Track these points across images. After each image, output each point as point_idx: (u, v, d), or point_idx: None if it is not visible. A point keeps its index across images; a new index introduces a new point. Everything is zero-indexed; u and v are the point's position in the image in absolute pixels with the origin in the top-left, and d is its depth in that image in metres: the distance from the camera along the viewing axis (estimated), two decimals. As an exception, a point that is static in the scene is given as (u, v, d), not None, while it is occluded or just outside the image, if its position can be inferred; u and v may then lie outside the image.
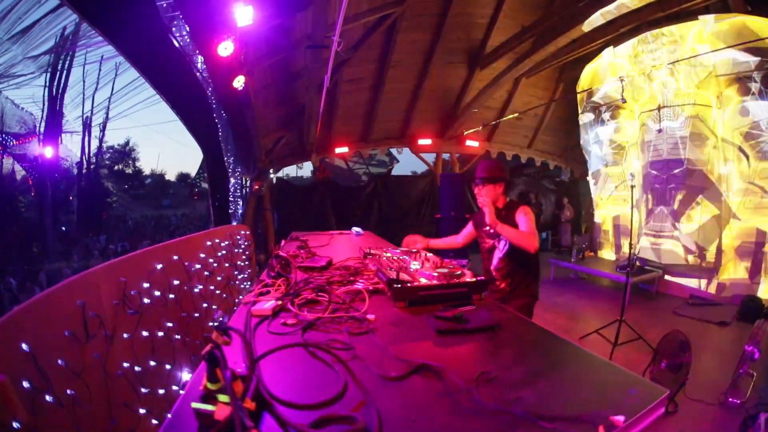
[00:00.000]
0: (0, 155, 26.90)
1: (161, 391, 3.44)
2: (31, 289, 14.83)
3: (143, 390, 3.13)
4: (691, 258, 10.45)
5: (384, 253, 3.81)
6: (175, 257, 4.24)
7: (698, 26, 10.09)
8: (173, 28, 8.74)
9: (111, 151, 58.80)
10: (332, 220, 17.26)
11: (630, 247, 8.41)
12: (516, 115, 15.59)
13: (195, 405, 1.22)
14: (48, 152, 28.55)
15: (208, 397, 1.22)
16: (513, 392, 1.51)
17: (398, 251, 3.98)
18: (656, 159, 11.31)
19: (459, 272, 2.96)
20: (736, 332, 8.14)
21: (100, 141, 38.81)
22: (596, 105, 13.68)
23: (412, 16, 12.79)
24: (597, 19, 10.01)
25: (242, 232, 7.55)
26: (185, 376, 3.84)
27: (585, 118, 14.42)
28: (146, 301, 3.48)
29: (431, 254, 3.69)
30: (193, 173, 63.00)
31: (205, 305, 4.93)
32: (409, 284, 2.67)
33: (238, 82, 9.31)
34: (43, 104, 29.60)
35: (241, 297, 6.65)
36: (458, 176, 15.32)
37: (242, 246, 7.40)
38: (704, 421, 5.03)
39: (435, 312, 2.35)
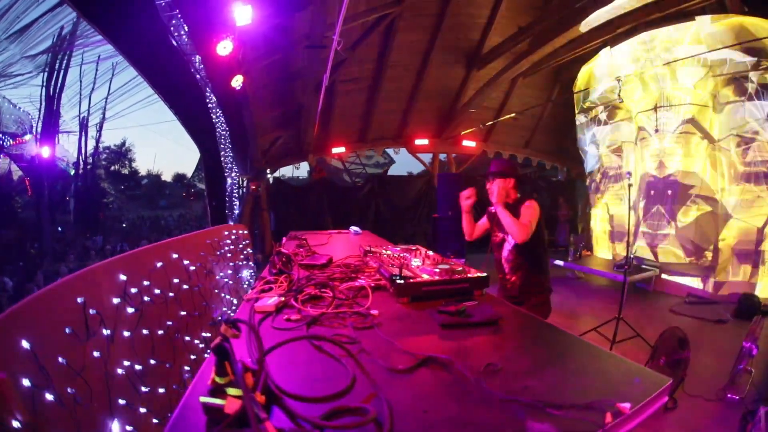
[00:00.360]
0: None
1: (161, 390, 3.44)
2: (29, 289, 14.79)
3: (144, 389, 3.13)
4: (688, 256, 10.47)
5: (384, 251, 3.82)
6: (175, 255, 4.24)
7: (695, 26, 10.10)
8: (171, 28, 8.72)
9: (107, 151, 58.69)
10: (329, 221, 17.25)
11: (627, 246, 8.41)
12: (513, 115, 15.62)
13: (204, 399, 1.20)
14: (45, 152, 28.49)
15: (217, 391, 1.20)
16: (520, 382, 1.52)
17: (398, 249, 3.98)
18: (652, 159, 11.33)
19: (460, 268, 2.98)
20: (734, 330, 8.14)
21: (97, 141, 38.80)
22: (593, 105, 13.69)
23: (410, 16, 12.79)
24: (594, 19, 10.02)
25: (240, 232, 7.55)
26: (185, 374, 3.84)
27: (581, 118, 14.43)
28: (146, 299, 3.47)
29: (431, 252, 3.69)
30: (189, 174, 62.84)
31: (204, 304, 4.92)
32: (411, 280, 2.68)
33: (237, 82, 9.30)
34: (41, 104, 29.55)
35: (239, 296, 6.66)
36: (456, 176, 15.34)
37: (240, 245, 7.40)
38: (703, 417, 5.04)
39: (438, 307, 2.36)
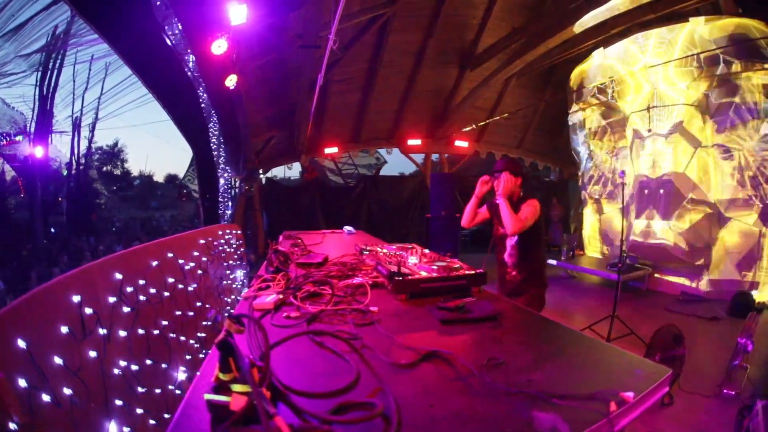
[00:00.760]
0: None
1: (158, 391, 3.42)
2: (23, 291, 14.71)
3: (140, 389, 3.11)
4: (681, 256, 10.51)
5: (381, 249, 3.82)
6: (170, 255, 4.23)
7: (689, 28, 10.14)
8: (166, 27, 8.71)
9: (100, 152, 58.49)
10: (321, 221, 17.25)
11: (621, 245, 8.43)
12: (506, 115, 15.64)
13: (208, 396, 1.19)
14: (38, 152, 28.35)
15: (221, 387, 1.19)
16: (523, 375, 1.53)
17: (394, 247, 3.98)
18: (646, 159, 11.36)
19: (458, 265, 2.99)
20: (728, 327, 8.19)
21: (90, 141, 38.60)
22: (586, 105, 13.72)
23: (404, 16, 12.81)
24: (588, 20, 10.04)
25: (234, 232, 7.54)
26: (181, 375, 3.82)
27: (574, 118, 14.46)
28: (142, 298, 3.46)
29: (427, 250, 3.70)
30: (181, 174, 62.63)
31: (198, 304, 4.91)
32: (410, 277, 2.68)
33: (230, 81, 9.28)
34: (34, 104, 29.41)
35: (233, 296, 6.65)
36: (449, 176, 15.33)
37: (234, 245, 7.39)
38: (700, 413, 5.07)
39: (437, 303, 2.37)
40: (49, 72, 29.39)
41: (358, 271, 3.24)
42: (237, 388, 1.17)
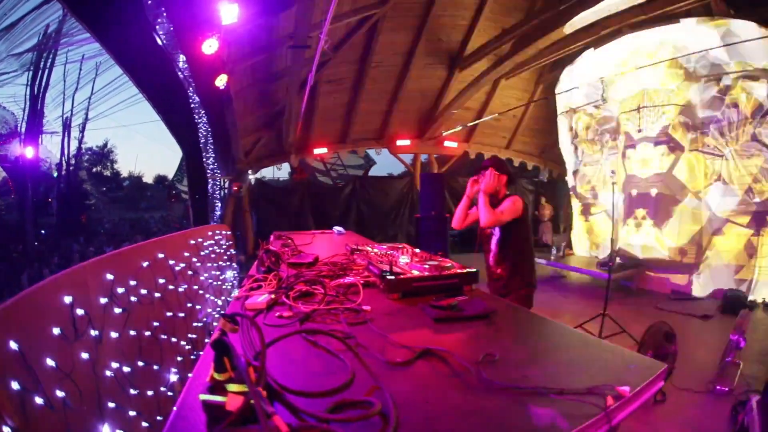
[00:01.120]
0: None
1: (150, 393, 3.41)
2: (14, 292, 14.63)
3: (132, 391, 3.10)
4: (671, 255, 10.57)
5: (371, 249, 3.82)
6: (160, 255, 4.22)
7: (680, 29, 10.19)
8: (157, 26, 8.69)
9: (89, 152, 58.26)
10: (310, 221, 17.25)
11: (611, 244, 8.47)
12: (495, 116, 15.67)
13: (203, 397, 1.17)
14: (29, 153, 28.19)
15: (216, 388, 1.17)
16: (518, 371, 1.53)
17: (385, 247, 3.98)
18: (635, 159, 11.42)
19: (449, 264, 2.99)
20: (720, 324, 8.26)
21: (80, 142, 38.45)
22: (576, 106, 13.77)
23: (394, 17, 12.81)
24: (578, 21, 10.07)
25: (223, 232, 7.53)
26: (173, 377, 3.81)
27: (564, 118, 14.51)
28: (133, 299, 3.45)
29: (418, 249, 3.70)
30: (170, 175, 62.44)
31: (189, 305, 4.90)
32: (402, 276, 2.68)
33: (221, 81, 9.26)
34: (25, 103, 29.27)
35: (223, 298, 6.64)
36: (438, 176, 15.34)
37: (224, 246, 7.38)
38: (693, 409, 5.11)
39: (429, 302, 2.37)
40: (40, 71, 29.28)
41: (350, 271, 3.24)
42: (233, 387, 1.15)
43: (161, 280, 4.09)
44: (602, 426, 1.24)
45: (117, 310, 3.11)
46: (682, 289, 10.45)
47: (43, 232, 29.20)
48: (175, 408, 1.32)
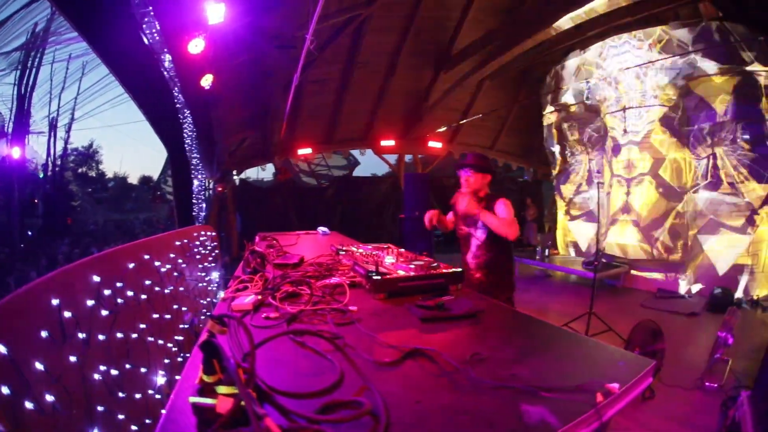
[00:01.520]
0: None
1: (138, 396, 3.40)
2: (1, 295, 14.47)
3: (121, 395, 3.08)
4: (657, 254, 10.65)
5: (357, 250, 3.82)
6: (146, 257, 4.20)
7: (666, 30, 10.27)
8: (144, 25, 8.64)
9: (75, 153, 57.78)
10: (295, 222, 17.20)
11: (597, 243, 8.52)
12: (480, 116, 15.71)
13: (193, 399, 1.17)
14: (15, 153, 27.91)
15: (206, 390, 1.17)
16: (507, 370, 1.55)
17: (370, 247, 3.98)
18: (621, 159, 11.50)
19: (435, 264, 3.00)
20: (706, 322, 8.39)
21: (66, 142, 38.12)
22: (561, 106, 13.83)
23: (380, 17, 12.79)
24: (565, 22, 10.10)
25: (208, 233, 7.50)
26: (160, 379, 3.79)
27: (549, 119, 14.58)
28: (120, 301, 3.43)
29: (403, 249, 3.71)
30: (155, 176, 62.04)
31: (175, 307, 4.88)
32: (388, 276, 2.69)
33: (206, 81, 9.22)
34: (12, 103, 28.99)
35: (209, 299, 6.62)
36: (422, 176, 15.37)
37: (209, 247, 7.35)
38: (683, 405, 5.16)
39: (416, 302, 2.38)
40: (28, 70, 29.03)
41: (335, 271, 3.24)
42: (222, 390, 1.15)
43: (147, 282, 4.07)
44: (593, 422, 1.25)
45: (104, 313, 3.09)
46: (668, 287, 10.53)
47: (29, 233, 28.92)
48: (164, 411, 1.31)
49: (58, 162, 35.76)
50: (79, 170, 59.08)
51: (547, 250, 13.48)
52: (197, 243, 6.60)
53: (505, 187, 20.64)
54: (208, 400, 1.16)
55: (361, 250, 3.78)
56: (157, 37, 8.88)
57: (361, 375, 1.50)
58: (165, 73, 10.00)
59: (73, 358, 2.57)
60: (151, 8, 8.28)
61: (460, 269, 2.87)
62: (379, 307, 2.47)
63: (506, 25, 12.46)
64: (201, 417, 1.17)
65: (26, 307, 2.36)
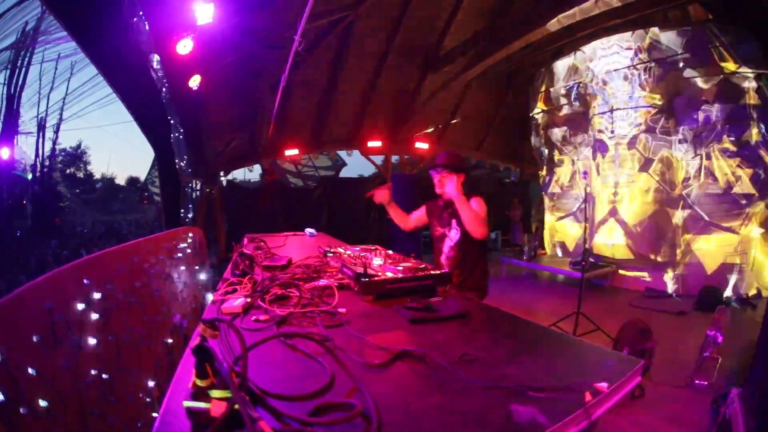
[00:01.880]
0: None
1: (130, 399, 3.39)
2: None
3: (112, 398, 3.07)
4: (645, 253, 10.71)
5: (345, 251, 3.83)
6: (136, 259, 4.20)
7: (656, 32, 10.33)
8: (133, 25, 8.63)
9: (63, 154, 57.46)
10: (282, 223, 17.15)
11: (584, 243, 8.56)
12: (467, 117, 15.75)
13: (187, 404, 1.18)
14: (4, 154, 27.64)
15: (199, 394, 1.18)
16: (497, 370, 1.57)
17: (358, 249, 3.99)
18: (609, 160, 11.55)
19: (423, 266, 3.03)
20: (695, 321, 8.43)
21: (54, 143, 37.82)
22: (549, 107, 13.88)
23: (368, 18, 12.77)
24: (553, 24, 10.13)
25: (196, 235, 7.49)
26: (150, 382, 3.79)
27: (537, 119, 14.62)
28: (110, 304, 3.43)
29: (390, 251, 3.72)
30: (143, 177, 61.78)
31: (164, 309, 4.87)
32: (376, 278, 2.70)
33: (194, 82, 9.20)
34: (0, 103, 28.73)
35: (197, 301, 6.61)
36: (409, 177, 15.37)
37: (196, 249, 7.34)
38: (673, 403, 5.19)
39: (404, 303, 2.40)
40: (17, 70, 28.80)
41: (324, 273, 3.25)
42: (216, 393, 1.16)
43: (137, 284, 4.07)
44: (582, 422, 1.27)
45: (94, 316, 3.09)
46: (656, 287, 10.60)
47: (18, 234, 28.68)
48: (158, 415, 1.32)
49: (47, 163, 35.49)
50: (67, 171, 58.82)
51: (534, 250, 13.51)
52: (185, 245, 6.59)
53: (492, 187, 20.69)
54: (202, 404, 1.16)
55: (348, 252, 3.79)
56: (146, 38, 8.86)
57: (352, 377, 1.51)
58: (153, 73, 9.97)
59: (65, 362, 2.57)
60: (140, 9, 8.27)
61: (447, 271, 2.90)
62: (368, 308, 2.48)
63: (494, 27, 12.48)
64: (195, 421, 1.18)
65: (19, 312, 2.35)
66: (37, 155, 33.58)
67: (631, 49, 10.86)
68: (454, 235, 4.35)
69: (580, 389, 1.36)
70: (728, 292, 9.64)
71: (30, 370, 2.23)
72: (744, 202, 9.64)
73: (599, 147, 11.89)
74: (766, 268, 9.82)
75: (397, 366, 1.64)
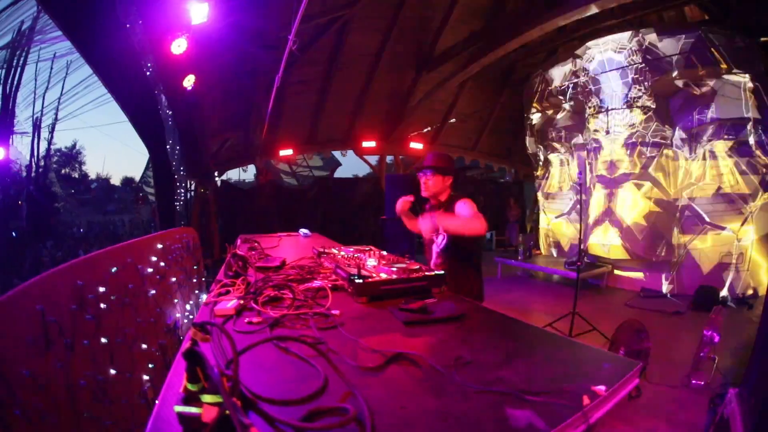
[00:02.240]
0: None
1: (124, 402, 3.37)
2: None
3: (106, 401, 3.06)
4: (640, 253, 10.72)
5: (338, 252, 3.81)
6: (129, 260, 4.17)
7: (652, 33, 10.34)
8: (128, 25, 8.60)
9: (58, 154, 57.37)
10: (276, 223, 17.11)
11: (579, 244, 8.56)
12: (461, 117, 15.74)
13: (179, 409, 1.16)
14: (0, 154, 27.59)
15: (190, 399, 1.16)
16: (492, 374, 1.55)
17: (352, 250, 3.97)
18: (603, 160, 11.56)
19: (417, 267, 3.01)
20: (691, 321, 8.46)
21: (49, 143, 37.68)
22: (544, 107, 13.89)
23: (363, 18, 12.78)
24: (549, 24, 10.13)
25: (191, 236, 7.46)
26: (144, 385, 3.77)
27: (532, 120, 14.63)
28: (103, 306, 3.40)
29: (384, 252, 3.71)
30: (137, 177, 61.71)
31: (158, 310, 4.85)
32: (370, 279, 2.68)
33: (188, 82, 9.17)
34: (-4, 102, 28.63)
35: (191, 302, 6.59)
36: (404, 177, 15.34)
37: (191, 249, 7.31)
38: (670, 403, 5.22)
39: (399, 305, 2.38)
40: (12, 69, 28.70)
41: (317, 275, 3.22)
42: (207, 398, 1.14)
43: (130, 285, 4.04)
44: (580, 425, 1.26)
45: (87, 317, 3.07)
46: (652, 287, 10.61)
47: (14, 234, 28.61)
48: (150, 420, 1.30)
49: (42, 163, 35.38)
50: (62, 171, 58.74)
51: (529, 251, 13.52)
52: (179, 245, 6.56)
53: (486, 188, 20.71)
54: (193, 409, 1.15)
55: (342, 253, 3.76)
56: (141, 38, 8.83)
57: (345, 380, 1.49)
58: (148, 73, 9.95)
59: (58, 365, 2.55)
60: (135, 8, 8.24)
61: (442, 272, 2.87)
62: (362, 310, 2.46)
63: (489, 27, 12.49)
64: (187, 426, 1.16)
65: (10, 313, 2.34)
66: (32, 155, 33.49)
67: (626, 49, 10.86)
68: (440, 241, 4.22)
69: (577, 392, 1.35)
70: (724, 292, 9.66)
71: (23, 372, 2.21)
72: (740, 202, 9.65)
73: (594, 147, 11.89)
74: (762, 268, 9.84)
75: (391, 369, 1.62)
